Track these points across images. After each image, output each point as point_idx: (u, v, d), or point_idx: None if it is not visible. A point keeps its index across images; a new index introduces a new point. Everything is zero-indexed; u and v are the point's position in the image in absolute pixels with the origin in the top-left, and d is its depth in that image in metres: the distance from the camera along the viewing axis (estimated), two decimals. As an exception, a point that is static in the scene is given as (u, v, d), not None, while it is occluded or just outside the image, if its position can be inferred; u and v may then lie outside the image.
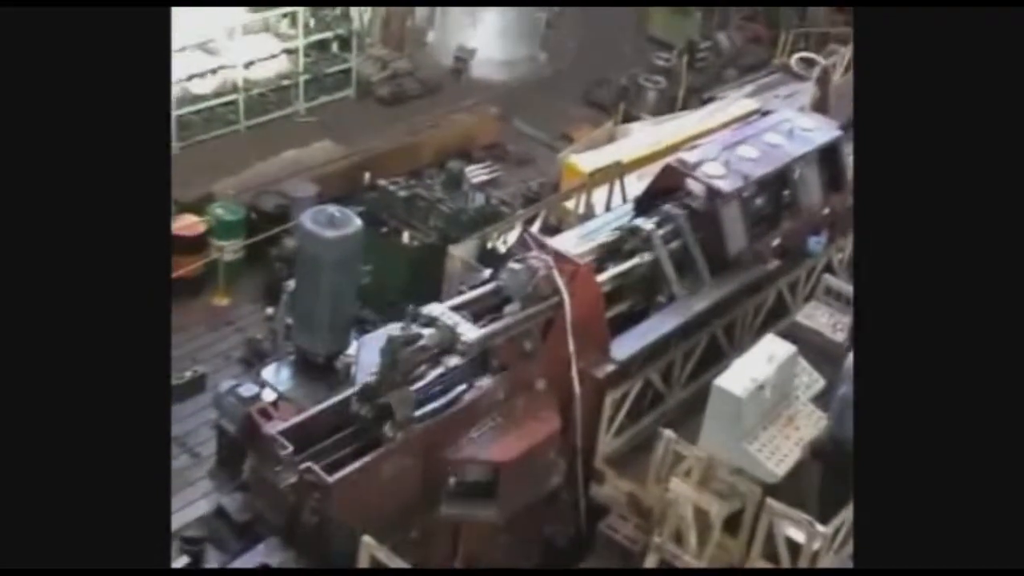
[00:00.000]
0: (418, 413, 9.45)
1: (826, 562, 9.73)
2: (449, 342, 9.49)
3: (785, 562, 9.57)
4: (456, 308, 9.94)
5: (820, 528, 9.44)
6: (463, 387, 9.86)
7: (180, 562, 9.88)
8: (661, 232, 11.38)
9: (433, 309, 9.63)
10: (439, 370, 9.68)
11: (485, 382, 9.98)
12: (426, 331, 9.38)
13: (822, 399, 10.60)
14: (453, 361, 9.68)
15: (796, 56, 20.96)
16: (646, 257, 11.31)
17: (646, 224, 11.45)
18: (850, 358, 10.40)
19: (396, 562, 8.53)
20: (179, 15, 17.04)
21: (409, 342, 9.25)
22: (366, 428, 9.44)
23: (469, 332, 9.51)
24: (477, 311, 10.09)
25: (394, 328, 9.53)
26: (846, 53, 18.52)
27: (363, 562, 8.57)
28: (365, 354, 10.87)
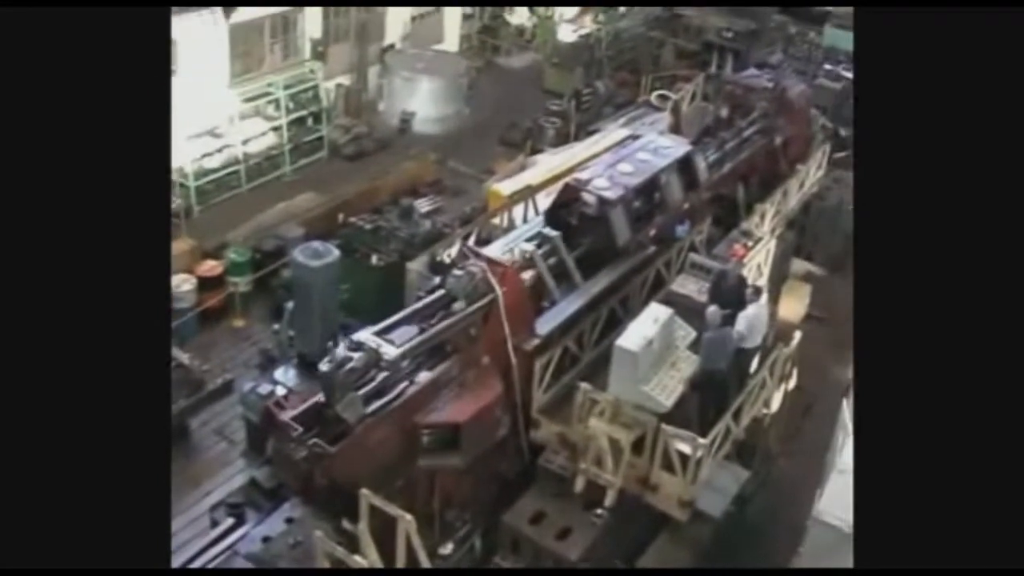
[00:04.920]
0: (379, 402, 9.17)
1: (708, 465, 9.80)
2: (375, 360, 9.11)
3: (678, 470, 9.64)
4: (410, 315, 9.71)
5: (701, 441, 9.52)
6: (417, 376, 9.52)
7: (226, 523, 9.73)
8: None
9: (360, 335, 9.23)
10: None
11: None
12: (355, 354, 8.98)
13: (695, 346, 10.69)
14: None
15: (655, 94, 21.15)
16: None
17: (551, 233, 11.49)
18: (710, 310, 10.52)
19: (389, 507, 8.43)
20: (189, 112, 16.84)
21: (340, 366, 8.83)
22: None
23: (389, 351, 9.16)
24: (431, 311, 10.00)
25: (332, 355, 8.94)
26: (690, 88, 18.64)
27: (364, 510, 8.47)
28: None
